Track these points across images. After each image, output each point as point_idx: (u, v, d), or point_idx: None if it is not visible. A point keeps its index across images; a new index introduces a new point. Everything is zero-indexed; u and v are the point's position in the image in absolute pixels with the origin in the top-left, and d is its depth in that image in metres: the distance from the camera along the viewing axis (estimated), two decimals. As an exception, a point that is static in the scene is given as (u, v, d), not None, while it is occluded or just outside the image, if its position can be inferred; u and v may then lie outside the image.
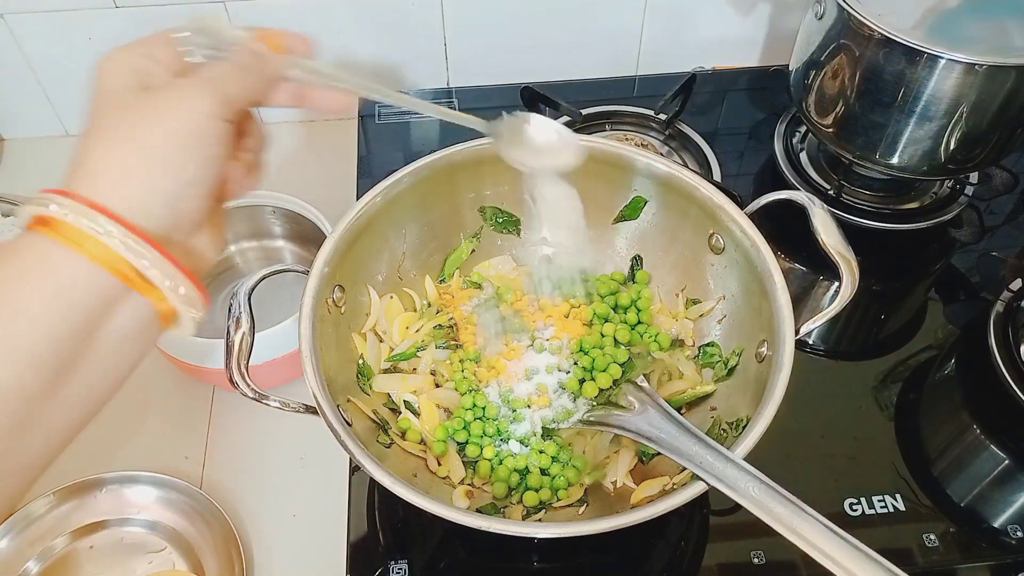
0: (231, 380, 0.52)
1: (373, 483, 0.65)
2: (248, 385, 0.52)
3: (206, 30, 0.40)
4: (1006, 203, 0.87)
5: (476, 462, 0.61)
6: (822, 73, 0.77)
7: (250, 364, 0.52)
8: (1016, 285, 0.73)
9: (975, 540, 0.62)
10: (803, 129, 0.90)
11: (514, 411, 0.62)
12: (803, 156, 0.89)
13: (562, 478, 0.59)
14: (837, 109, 0.77)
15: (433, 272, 0.70)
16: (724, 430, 0.57)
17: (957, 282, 0.82)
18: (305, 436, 0.71)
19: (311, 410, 0.52)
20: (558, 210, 0.56)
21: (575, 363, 0.64)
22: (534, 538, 0.60)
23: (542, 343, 0.65)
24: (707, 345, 0.65)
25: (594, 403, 0.61)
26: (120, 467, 0.68)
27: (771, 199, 0.60)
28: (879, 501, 0.63)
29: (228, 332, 0.52)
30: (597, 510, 0.58)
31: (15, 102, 0.93)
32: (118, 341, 0.36)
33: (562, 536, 0.48)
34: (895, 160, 0.75)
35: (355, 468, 0.66)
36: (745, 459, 0.48)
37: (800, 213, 0.57)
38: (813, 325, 0.55)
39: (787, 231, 0.63)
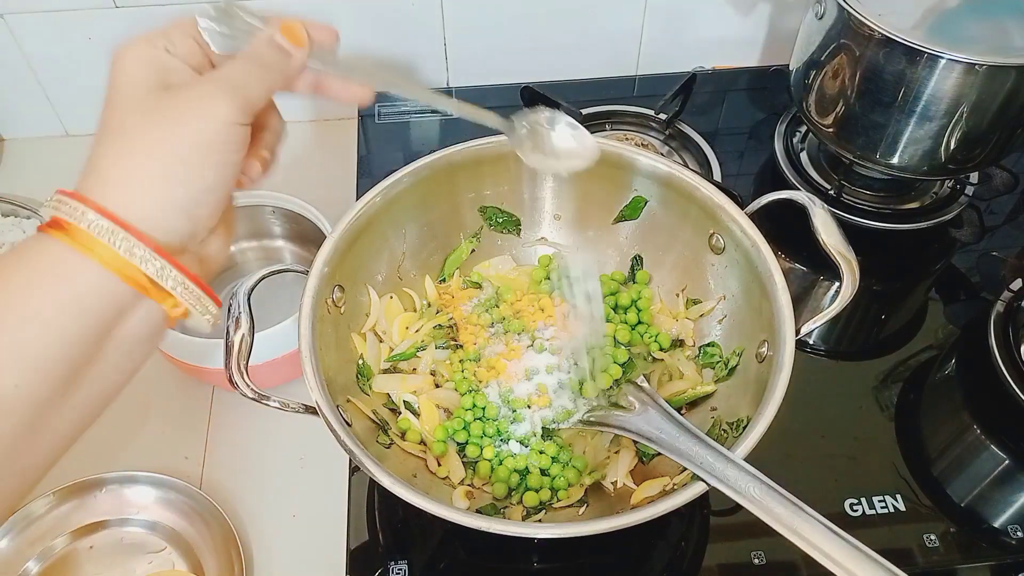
0: (231, 380, 0.52)
1: (373, 483, 0.65)
2: (248, 385, 0.52)
3: (228, 17, 0.39)
4: (1006, 203, 0.86)
5: (476, 462, 0.61)
6: (822, 73, 0.76)
7: (250, 364, 0.52)
8: (1016, 285, 0.73)
9: (975, 540, 0.62)
10: (803, 129, 0.90)
11: (514, 411, 0.61)
12: (803, 156, 0.89)
13: (562, 478, 0.59)
14: (837, 109, 0.77)
15: (433, 272, 0.70)
16: (724, 430, 0.57)
17: (957, 282, 0.82)
18: (305, 436, 0.71)
19: (311, 410, 0.52)
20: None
21: (575, 363, 0.64)
22: (534, 539, 0.60)
23: (542, 343, 0.65)
24: (707, 345, 0.65)
25: (594, 403, 0.61)
26: (120, 467, 0.68)
27: (771, 199, 0.60)
28: (879, 501, 0.63)
29: (228, 332, 0.52)
30: (597, 511, 0.58)
31: (15, 102, 0.93)
32: (129, 345, 0.36)
33: (562, 537, 0.48)
34: (895, 160, 0.75)
35: (355, 468, 0.66)
36: (745, 459, 0.48)
37: (800, 213, 0.57)
38: (814, 325, 0.55)
39: (787, 231, 0.63)
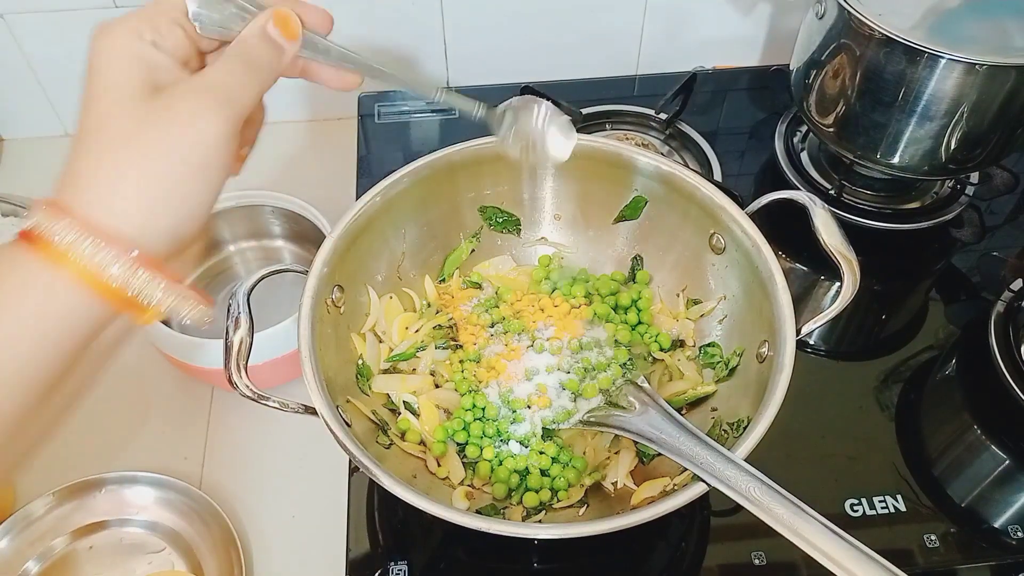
0: (230, 380, 0.52)
1: (373, 484, 0.65)
2: (247, 385, 0.52)
3: (219, 2, 0.37)
4: (1007, 203, 0.86)
5: (476, 463, 0.60)
6: (823, 73, 0.76)
7: (249, 364, 0.52)
8: (1017, 285, 0.73)
9: (976, 540, 0.62)
10: (804, 129, 0.90)
11: (514, 412, 0.61)
12: (804, 156, 0.88)
13: (562, 479, 0.59)
14: (838, 109, 0.76)
15: (433, 272, 0.70)
16: (725, 431, 0.57)
17: (958, 282, 0.82)
18: (305, 436, 0.71)
19: (310, 411, 0.52)
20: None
21: (576, 362, 0.64)
22: (534, 539, 0.60)
23: (542, 343, 0.65)
24: (708, 345, 0.65)
25: (594, 404, 0.61)
26: (120, 467, 0.68)
27: (772, 199, 0.59)
28: (880, 502, 0.63)
29: (227, 332, 0.52)
30: (597, 511, 0.58)
31: (15, 102, 0.93)
32: (107, 348, 0.35)
33: (562, 537, 0.48)
34: (896, 160, 0.75)
35: (355, 469, 0.66)
36: (746, 460, 0.48)
37: (801, 213, 0.57)
38: (814, 325, 0.55)
39: (788, 231, 0.63)
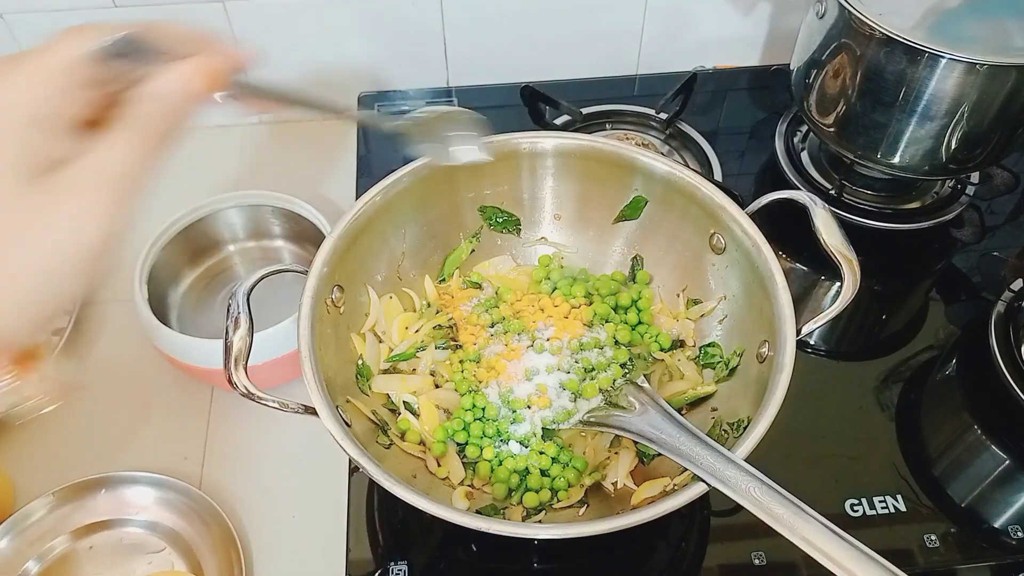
0: (229, 380, 0.52)
1: (373, 484, 0.65)
2: (247, 386, 0.52)
3: (134, 45, 0.34)
4: (1007, 203, 0.86)
5: (476, 463, 0.60)
6: (823, 72, 0.76)
7: (249, 364, 0.52)
8: (1017, 285, 0.73)
9: (976, 540, 0.62)
10: (804, 128, 0.90)
11: (514, 412, 0.61)
12: (804, 156, 0.88)
13: (562, 479, 0.59)
14: (838, 108, 0.76)
15: (433, 272, 0.70)
16: (725, 431, 0.57)
17: (958, 282, 0.82)
18: (305, 436, 0.71)
19: (310, 411, 0.52)
20: None
21: (576, 362, 0.64)
22: (534, 539, 0.60)
23: (542, 343, 0.65)
24: (708, 345, 0.65)
25: (594, 404, 0.61)
26: (120, 467, 0.68)
27: (772, 199, 0.59)
28: (880, 502, 0.63)
29: (227, 332, 0.52)
30: (597, 511, 0.58)
31: (14, 102, 0.93)
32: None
33: (562, 537, 0.48)
34: (896, 160, 0.75)
35: (355, 469, 0.66)
36: (746, 460, 0.48)
37: (801, 213, 0.57)
38: (814, 325, 0.55)
39: (788, 231, 0.63)
